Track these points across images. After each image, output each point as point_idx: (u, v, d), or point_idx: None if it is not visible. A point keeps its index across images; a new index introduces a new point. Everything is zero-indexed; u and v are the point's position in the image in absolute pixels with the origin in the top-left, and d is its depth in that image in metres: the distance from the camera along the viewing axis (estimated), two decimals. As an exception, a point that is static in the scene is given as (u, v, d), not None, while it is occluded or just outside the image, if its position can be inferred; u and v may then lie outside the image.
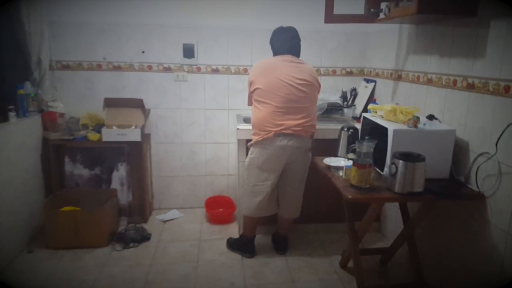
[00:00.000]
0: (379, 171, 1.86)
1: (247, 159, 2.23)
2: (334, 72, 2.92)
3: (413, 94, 2.27)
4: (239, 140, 2.37)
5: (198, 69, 2.80)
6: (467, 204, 1.75)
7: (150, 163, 2.87)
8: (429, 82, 2.10)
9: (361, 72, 2.94)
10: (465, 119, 1.79)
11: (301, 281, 2.09)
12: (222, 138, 2.94)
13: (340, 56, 2.90)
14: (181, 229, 2.67)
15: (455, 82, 1.87)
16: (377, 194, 1.63)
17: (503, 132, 1.52)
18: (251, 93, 2.19)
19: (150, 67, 2.76)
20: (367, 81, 2.86)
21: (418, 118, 1.77)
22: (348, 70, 2.93)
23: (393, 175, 1.65)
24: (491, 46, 1.61)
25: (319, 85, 2.25)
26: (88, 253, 2.31)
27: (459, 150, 1.81)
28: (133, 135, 2.56)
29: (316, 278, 2.12)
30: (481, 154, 1.67)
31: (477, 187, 1.68)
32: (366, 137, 1.86)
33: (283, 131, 2.09)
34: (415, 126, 1.76)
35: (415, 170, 1.61)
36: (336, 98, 2.81)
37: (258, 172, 2.18)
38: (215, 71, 2.82)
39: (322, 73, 2.89)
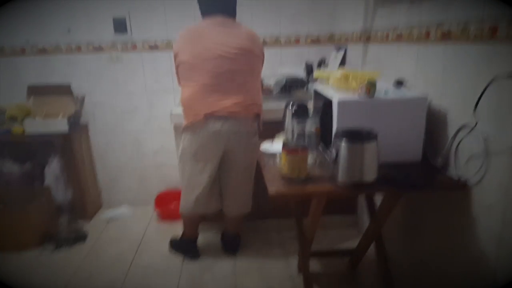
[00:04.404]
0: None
1: (180, 148, 1.77)
2: (297, 41, 2.36)
3: (384, 58, 1.72)
4: (174, 126, 1.90)
5: (134, 47, 2.30)
6: (446, 198, 1.24)
7: (90, 156, 2.44)
8: (399, 38, 1.54)
9: (330, 39, 2.36)
10: (441, 82, 1.25)
11: (244, 292, 1.64)
12: (170, 125, 2.45)
13: (303, 22, 2.32)
14: (125, 228, 2.25)
15: (427, 34, 1.32)
16: (310, 186, 1.14)
17: (484, 90, 0.99)
18: (177, 69, 1.71)
19: (79, 49, 2.29)
20: (338, 48, 2.31)
21: (373, 84, 1.24)
22: (314, 37, 2.37)
23: (335, 161, 1.15)
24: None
25: (263, 54, 1.74)
26: (15, 255, 1.96)
27: (435, 123, 1.28)
28: (60, 125, 2.12)
29: (264, 285, 1.66)
30: (462, 128, 1.14)
31: (457, 172, 1.16)
32: (311, 114, 1.37)
33: (216, 113, 1.60)
34: (369, 95, 1.24)
35: (364, 153, 1.09)
36: (299, 72, 2.29)
37: (193, 163, 1.71)
38: (154, 47, 2.31)
39: (282, 43, 2.35)
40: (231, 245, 1.93)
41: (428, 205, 1.35)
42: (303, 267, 1.46)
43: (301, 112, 1.47)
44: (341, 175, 1.12)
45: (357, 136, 1.11)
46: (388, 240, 1.70)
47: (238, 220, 1.90)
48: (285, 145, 1.20)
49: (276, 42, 2.35)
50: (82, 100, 2.33)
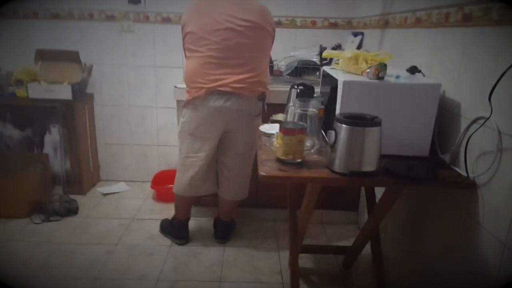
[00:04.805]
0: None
1: (179, 124, 1.76)
2: (313, 23, 2.30)
3: (401, 44, 1.64)
4: (178, 102, 1.90)
5: (146, 18, 2.31)
6: (452, 197, 1.18)
7: (93, 128, 2.48)
8: (418, 23, 1.47)
9: (348, 24, 2.30)
10: (458, 71, 1.18)
11: (229, 281, 1.62)
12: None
13: (321, 4, 2.26)
14: (118, 204, 2.28)
15: (447, 16, 1.24)
16: (304, 171, 1.10)
17: (501, 77, 0.91)
18: (183, 41, 1.69)
19: (91, 16, 2.31)
20: (355, 34, 2.24)
21: (383, 65, 1.19)
22: (332, 21, 2.30)
23: (333, 146, 1.11)
24: None
25: (273, 31, 1.70)
26: (2, 222, 2.00)
27: (447, 115, 1.21)
28: (64, 92, 2.16)
29: (251, 278, 1.65)
30: (475, 121, 1.08)
31: (466, 170, 1.10)
32: (315, 95, 1.33)
33: (218, 88, 1.58)
34: (378, 77, 1.19)
35: (365, 139, 1.05)
36: (312, 56, 2.23)
37: (191, 141, 1.70)
38: (166, 20, 2.31)
39: (299, 24, 2.30)
40: (223, 232, 1.92)
41: (432, 205, 1.29)
42: (291, 262, 1.43)
43: (305, 93, 1.43)
44: (339, 162, 1.08)
45: (359, 121, 1.07)
46: (388, 240, 1.65)
47: (233, 206, 1.89)
48: (281, 125, 1.17)
49: (292, 23, 2.30)
50: (90, 69, 2.36)
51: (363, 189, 1.77)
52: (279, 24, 2.30)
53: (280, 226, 2.07)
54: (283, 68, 2.19)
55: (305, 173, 1.09)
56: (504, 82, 0.94)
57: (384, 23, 1.82)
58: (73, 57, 2.25)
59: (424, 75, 1.31)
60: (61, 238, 1.90)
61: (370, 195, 1.45)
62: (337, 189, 2.06)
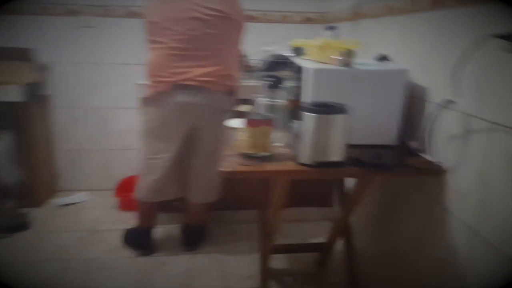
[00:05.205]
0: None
1: (141, 124, 1.72)
2: (286, 18, 2.34)
3: (372, 34, 1.67)
4: (140, 100, 1.85)
5: (109, 12, 2.26)
6: (421, 185, 1.19)
7: (50, 132, 2.37)
8: (387, 11, 1.50)
9: (322, 19, 2.34)
10: (425, 57, 1.20)
11: (197, 290, 1.58)
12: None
13: (295, -2, 2.31)
14: (77, 216, 2.18)
15: (415, 0, 1.29)
16: (269, 165, 1.08)
17: (464, 56, 0.95)
18: (145, 32, 1.65)
19: (48, 10, 2.21)
20: (329, 28, 2.27)
21: (350, 52, 1.20)
22: (306, 16, 2.34)
23: (298, 137, 1.10)
24: None
25: (243, 21, 1.69)
26: None
27: (416, 102, 1.23)
28: (12, 94, 2.06)
29: (221, 285, 1.61)
30: (443, 105, 1.10)
31: (433, 156, 1.11)
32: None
33: (183, 81, 1.54)
34: (345, 64, 1.20)
35: (331, 128, 1.05)
36: (286, 50, 2.25)
37: (153, 141, 1.66)
38: (131, 14, 2.26)
39: (272, 18, 2.31)
40: (192, 238, 1.87)
41: (402, 195, 1.31)
42: (261, 263, 1.40)
43: (274, 84, 1.42)
44: (305, 153, 1.07)
45: (325, 109, 1.06)
46: (361, 235, 1.66)
47: (202, 210, 1.84)
48: (247, 117, 1.15)
49: (265, 17, 2.32)
50: (44, 68, 2.27)
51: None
52: (251, 18, 2.31)
53: (255, 228, 2.01)
54: (255, 63, 2.20)
55: (270, 166, 1.08)
56: (470, 64, 0.97)
57: (356, 15, 1.86)
58: (23, 55, 2.16)
59: (392, 62, 1.33)
60: (9, 257, 1.78)
61: (340, 187, 1.45)
62: (311, 185, 2.06)
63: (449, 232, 1.05)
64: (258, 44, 2.25)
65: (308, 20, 2.33)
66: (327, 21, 2.33)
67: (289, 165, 1.08)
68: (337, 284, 1.62)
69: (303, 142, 1.06)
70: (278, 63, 2.12)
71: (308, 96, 1.19)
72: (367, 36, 1.73)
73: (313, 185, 2.09)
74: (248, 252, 1.83)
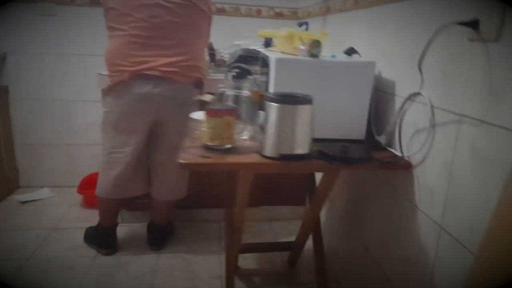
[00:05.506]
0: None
1: (101, 116, 1.61)
2: (258, 12, 2.27)
3: (341, 28, 1.64)
4: (102, 91, 1.74)
5: (71, 0, 2.14)
6: (391, 181, 1.16)
7: (9, 126, 2.21)
8: (356, 4, 1.47)
9: (294, 15, 2.29)
10: (392, 49, 1.17)
11: (161, 291, 1.50)
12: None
13: (267, -8, 2.25)
14: (38, 213, 2.04)
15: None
16: (229, 158, 1.01)
17: (428, 44, 0.91)
18: (105, 17, 1.55)
19: (3, -5, 2.10)
20: (300, 24, 2.23)
21: (316, 42, 1.15)
22: (278, 10, 2.28)
23: (262, 128, 1.04)
24: None
25: (209, 10, 1.61)
26: None
27: (384, 96, 1.20)
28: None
29: (187, 285, 1.52)
30: (409, 98, 1.07)
31: (401, 150, 1.08)
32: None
33: (145, 71, 1.45)
34: (311, 55, 1.15)
35: (295, 119, 0.99)
36: (258, 45, 2.19)
37: (114, 134, 1.56)
38: (95, 2, 2.13)
39: (243, 12, 2.25)
40: (158, 237, 1.77)
41: (371, 192, 1.28)
42: (226, 263, 1.33)
43: (239, 75, 1.36)
44: (269, 145, 1.01)
45: (289, 99, 1.01)
46: (333, 234, 1.63)
47: (168, 208, 1.75)
48: (207, 106, 1.08)
49: (236, 11, 2.25)
50: (3, 57, 2.11)
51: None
52: (222, 11, 2.24)
53: (225, 227, 1.97)
54: (226, 57, 2.13)
55: (231, 159, 1.01)
56: (434, 54, 0.94)
57: (326, 9, 1.82)
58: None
59: (360, 56, 1.30)
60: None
61: (311, 182, 1.40)
62: (285, 183, 2.02)
63: (417, 229, 1.01)
64: (230, 38, 2.19)
65: (280, 15, 2.28)
66: (299, 17, 2.29)
67: (251, 158, 1.01)
68: (309, 284, 1.57)
69: (267, 134, 1.01)
70: (248, 57, 2.08)
71: (272, 87, 1.13)
72: (337, 30, 1.70)
73: (287, 183, 2.06)
74: (218, 252, 1.76)
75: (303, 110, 1.00)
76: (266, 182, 2.00)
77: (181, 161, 0.97)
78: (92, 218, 1.96)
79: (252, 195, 2.14)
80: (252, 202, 2.07)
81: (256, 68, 2.07)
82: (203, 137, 1.08)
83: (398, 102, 1.12)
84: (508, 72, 0.72)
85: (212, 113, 1.06)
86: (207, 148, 1.06)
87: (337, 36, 1.67)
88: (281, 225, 2.03)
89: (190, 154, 1.01)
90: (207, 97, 1.31)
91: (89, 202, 2.15)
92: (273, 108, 0.99)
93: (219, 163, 0.98)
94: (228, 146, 1.07)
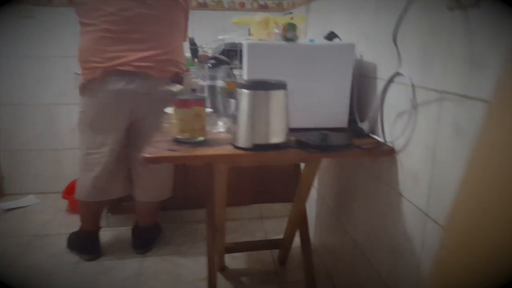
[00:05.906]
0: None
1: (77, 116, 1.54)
2: (242, 5, 2.20)
3: (324, 15, 1.56)
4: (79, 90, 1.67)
5: (49, 1, 2.06)
6: (374, 170, 1.08)
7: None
8: (337, -12, 1.41)
9: (278, 7, 2.22)
10: (372, 31, 1.09)
11: (144, 296, 1.42)
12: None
13: (250, -16, 2.18)
14: (22, 221, 1.97)
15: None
16: (198, 150, 0.94)
17: (403, 14, 0.84)
18: (76, 13, 1.49)
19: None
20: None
21: (292, 25, 1.08)
22: (262, 3, 2.21)
23: (234, 118, 0.97)
24: None
25: (186, 4, 1.54)
26: None
27: (366, 81, 1.13)
28: None
29: (171, 289, 1.46)
30: (392, 80, 0.99)
31: (383, 136, 1.01)
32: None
33: (118, 67, 1.38)
34: (286, 38, 1.07)
35: (269, 106, 0.92)
36: (242, 39, 2.12)
37: (91, 134, 1.49)
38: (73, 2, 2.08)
39: (226, 6, 2.18)
40: (143, 240, 1.69)
41: (357, 183, 1.20)
42: (208, 265, 1.26)
43: (214, 65, 1.29)
44: (241, 135, 0.94)
45: (261, 85, 0.94)
46: (322, 229, 1.56)
47: (152, 209, 1.68)
48: (175, 97, 1.01)
49: (219, 5, 2.18)
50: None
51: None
52: (204, 5, 2.17)
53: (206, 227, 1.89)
54: (209, 53, 2.05)
55: (202, 151, 0.94)
56: (413, 29, 0.87)
57: (308, -3, 1.75)
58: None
59: (341, 40, 1.22)
60: None
61: (296, 177, 1.32)
62: (276, 180, 1.94)
63: (403, 218, 0.94)
64: (213, 33, 2.12)
65: (264, 8, 2.21)
66: (284, 8, 2.22)
67: (224, 150, 0.94)
68: (299, 282, 1.49)
69: (239, 123, 0.93)
70: (231, 51, 2.00)
71: (245, 74, 1.06)
72: (320, 18, 1.62)
73: (278, 180, 1.98)
74: (205, 253, 1.65)
75: (277, 96, 0.92)
76: (257, 179, 1.93)
77: (146, 155, 0.90)
78: (78, 223, 1.87)
79: (243, 193, 2.05)
80: (243, 200, 2.00)
81: (236, 62, 2.01)
82: (172, 130, 1.01)
83: (380, 85, 1.05)
84: (489, 38, 0.64)
85: (180, 104, 0.98)
86: (178, 141, 0.99)
87: (320, 24, 1.60)
88: (274, 223, 1.96)
89: (157, 148, 0.94)
90: (176, 88, 1.24)
91: (75, 207, 2.06)
92: (244, 95, 0.92)
93: (187, 156, 0.91)
94: (201, 138, 1.00)
